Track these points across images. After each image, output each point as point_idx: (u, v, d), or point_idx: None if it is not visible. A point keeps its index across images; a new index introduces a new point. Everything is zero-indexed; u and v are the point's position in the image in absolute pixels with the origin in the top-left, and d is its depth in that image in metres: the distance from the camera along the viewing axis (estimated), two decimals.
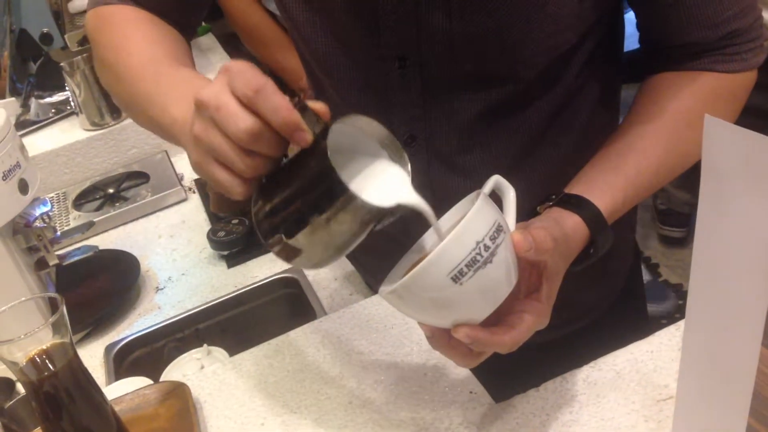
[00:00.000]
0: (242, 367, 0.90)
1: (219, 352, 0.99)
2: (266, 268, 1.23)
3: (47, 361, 0.72)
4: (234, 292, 1.18)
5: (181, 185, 1.52)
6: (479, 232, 0.55)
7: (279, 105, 0.55)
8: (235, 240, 1.26)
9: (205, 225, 1.40)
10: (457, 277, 0.55)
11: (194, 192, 1.52)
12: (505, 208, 0.63)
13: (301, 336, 0.93)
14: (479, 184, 0.83)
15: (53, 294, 0.74)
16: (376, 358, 0.86)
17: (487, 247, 0.55)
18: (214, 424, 0.83)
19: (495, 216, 0.58)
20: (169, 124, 0.70)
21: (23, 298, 0.75)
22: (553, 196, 0.70)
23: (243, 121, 0.55)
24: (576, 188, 0.71)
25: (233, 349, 1.19)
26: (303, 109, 0.56)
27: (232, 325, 1.19)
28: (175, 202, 1.50)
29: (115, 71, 0.80)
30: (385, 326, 0.90)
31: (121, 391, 0.94)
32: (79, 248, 1.24)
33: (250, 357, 0.92)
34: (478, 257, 0.55)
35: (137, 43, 0.79)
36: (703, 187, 0.51)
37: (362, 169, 0.61)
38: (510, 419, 0.74)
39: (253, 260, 1.26)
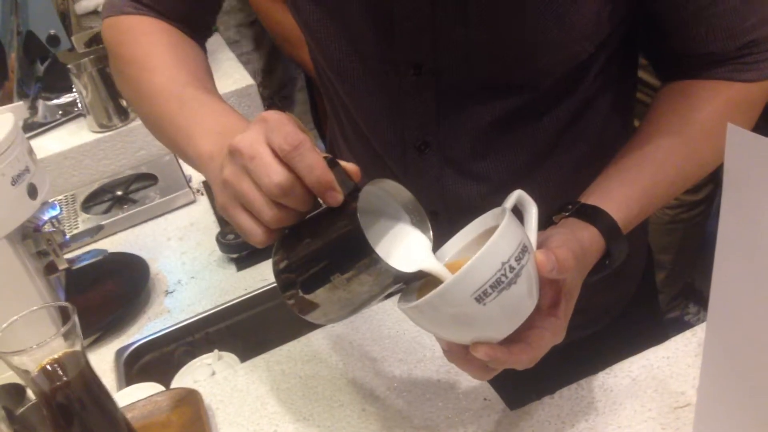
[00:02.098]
0: (254, 374, 0.89)
1: (230, 357, 0.99)
2: None
3: (59, 370, 0.72)
4: (244, 295, 1.17)
5: (190, 187, 1.51)
6: (505, 252, 0.55)
7: (315, 164, 0.56)
8: (244, 243, 1.25)
9: (214, 227, 1.40)
10: (480, 298, 0.54)
11: (203, 194, 1.52)
12: (527, 225, 0.62)
13: (313, 341, 0.92)
14: (492, 191, 0.83)
15: (65, 303, 0.73)
16: (388, 365, 0.85)
17: (512, 269, 0.55)
18: (226, 431, 0.82)
19: (520, 236, 0.57)
20: (194, 155, 0.71)
21: (35, 307, 0.75)
22: (570, 206, 0.69)
23: (276, 175, 0.56)
24: (592, 198, 0.70)
25: (244, 353, 1.19)
26: (333, 165, 0.57)
27: (243, 328, 1.18)
28: (184, 204, 1.49)
29: (136, 88, 0.81)
30: (398, 332, 0.90)
31: (133, 397, 0.93)
32: (88, 252, 1.24)
33: (261, 363, 0.91)
34: (503, 278, 0.54)
35: (160, 60, 0.80)
36: (725, 195, 0.50)
37: (386, 232, 0.62)
38: (525, 427, 0.73)
39: (262, 263, 1.25)
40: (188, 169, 1.58)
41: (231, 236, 1.26)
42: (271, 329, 1.19)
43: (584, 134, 0.81)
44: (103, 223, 1.44)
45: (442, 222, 0.83)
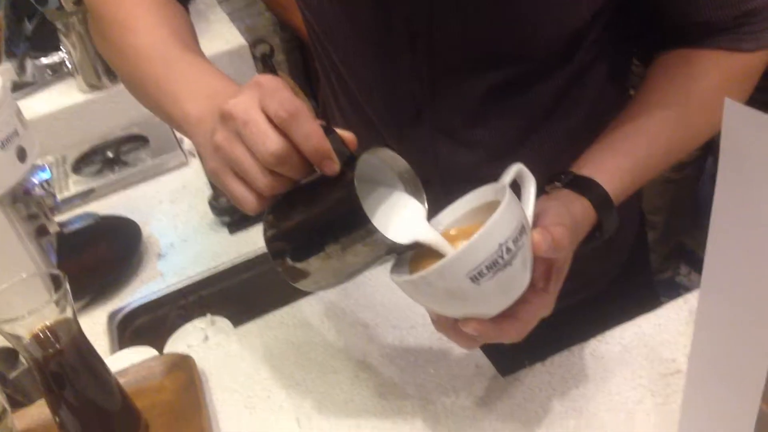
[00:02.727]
0: (247, 339, 0.89)
1: (223, 322, 0.99)
2: None
3: (51, 337, 0.72)
4: (237, 259, 1.17)
5: (181, 149, 1.50)
6: (503, 234, 0.54)
7: (312, 132, 0.55)
8: (236, 207, 1.24)
9: (206, 190, 1.39)
10: (476, 278, 0.54)
11: (194, 156, 1.51)
12: (525, 200, 0.62)
13: (305, 307, 0.92)
14: (485, 159, 0.82)
15: (56, 271, 0.73)
16: (381, 331, 0.86)
17: (509, 250, 0.54)
18: (219, 396, 0.82)
19: (519, 217, 0.56)
20: (180, 118, 0.69)
21: (25, 275, 0.74)
22: (562, 176, 0.69)
23: (272, 143, 0.55)
24: (585, 169, 0.69)
25: (237, 317, 1.19)
26: (329, 132, 0.57)
27: (235, 292, 1.18)
28: (176, 167, 1.48)
29: (119, 49, 0.79)
30: (390, 299, 0.90)
31: (126, 361, 0.94)
32: (80, 215, 1.23)
33: (254, 328, 0.91)
34: (500, 260, 0.54)
35: (143, 21, 0.77)
36: (722, 169, 0.49)
37: (382, 201, 0.62)
38: (516, 393, 0.74)
39: (255, 227, 1.25)
40: None
41: (224, 200, 1.25)
42: (264, 294, 1.19)
43: (579, 103, 0.81)
44: (94, 185, 1.43)
45: (436, 190, 0.82)
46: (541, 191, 0.71)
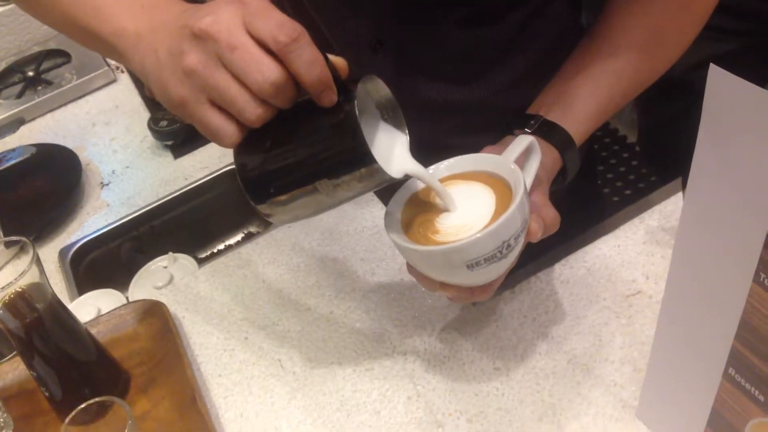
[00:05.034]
0: (215, 279, 0.90)
1: (186, 259, 0.99)
2: (215, 156, 1.20)
3: (25, 305, 0.71)
4: (186, 186, 1.16)
5: (108, 65, 1.43)
6: (509, 232, 0.55)
7: (316, 59, 0.50)
8: (178, 129, 1.21)
9: (141, 110, 1.34)
10: (471, 266, 0.55)
11: (123, 71, 1.44)
12: (527, 171, 0.62)
13: (271, 243, 0.93)
14: (445, 90, 0.82)
15: (22, 238, 0.71)
16: (350, 264, 0.87)
17: (509, 246, 0.55)
18: (196, 340, 0.83)
19: (525, 214, 0.57)
20: (110, 34, 0.60)
21: None
22: (532, 122, 0.70)
23: (270, 71, 0.50)
24: (552, 114, 0.70)
25: (195, 247, 1.19)
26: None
27: (188, 219, 1.17)
28: (104, 84, 1.42)
29: None
30: (356, 229, 0.91)
31: (92, 307, 0.93)
32: (14, 150, 1.18)
33: (221, 267, 0.91)
34: (498, 254, 0.55)
35: None
36: (702, 135, 0.51)
37: (368, 132, 0.57)
38: (489, 322, 0.77)
39: (199, 149, 1.22)
40: None
41: (164, 123, 1.22)
42: (219, 218, 1.19)
43: (538, 35, 0.81)
44: (18, 110, 1.36)
45: None
46: (506, 129, 0.73)
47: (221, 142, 0.55)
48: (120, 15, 0.60)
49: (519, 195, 0.55)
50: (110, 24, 0.60)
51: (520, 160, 0.62)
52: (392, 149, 0.59)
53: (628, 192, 2.26)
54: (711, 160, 0.52)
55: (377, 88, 0.58)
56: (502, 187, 0.59)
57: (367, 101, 0.58)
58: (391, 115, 0.60)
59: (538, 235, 0.60)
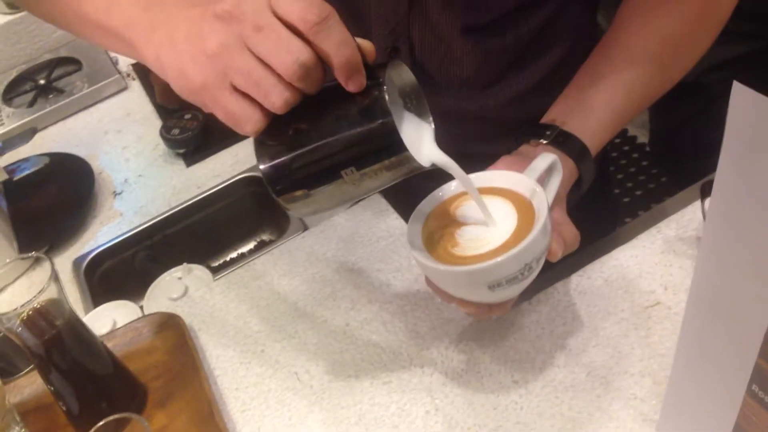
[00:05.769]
0: (231, 291, 0.90)
1: (200, 270, 0.98)
2: (227, 164, 1.20)
3: (45, 322, 0.71)
4: (199, 195, 1.15)
5: (119, 72, 1.43)
6: (532, 255, 0.55)
7: (346, 41, 0.48)
8: (190, 137, 1.21)
9: (152, 117, 1.34)
10: (492, 287, 0.55)
11: (134, 79, 1.44)
12: (548, 188, 0.62)
13: (285, 254, 0.92)
14: (457, 97, 0.82)
15: (41, 255, 0.71)
16: (366, 276, 0.87)
17: (530, 268, 0.55)
18: (213, 353, 0.83)
19: (548, 235, 0.57)
20: (122, 25, 0.58)
21: (9, 260, 0.72)
22: (548, 132, 0.69)
23: (300, 51, 0.47)
24: (568, 125, 0.70)
25: (208, 255, 1.19)
26: None
27: (201, 227, 1.17)
28: (116, 92, 1.42)
29: None
30: (371, 240, 0.91)
31: (108, 318, 0.94)
32: (27, 159, 1.19)
33: (236, 278, 0.91)
34: (519, 276, 0.55)
35: None
36: (725, 152, 0.51)
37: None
38: (507, 334, 0.77)
39: (211, 157, 1.22)
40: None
41: (176, 131, 1.22)
42: (232, 227, 1.19)
43: (552, 46, 0.81)
44: (29, 119, 1.36)
45: None
46: (521, 137, 0.72)
47: (243, 129, 0.52)
48: (133, 6, 0.58)
49: (543, 217, 0.55)
50: (122, 16, 0.58)
51: (542, 177, 0.62)
52: (419, 138, 0.57)
53: (639, 193, 2.25)
54: (734, 177, 0.52)
55: (401, 75, 0.56)
56: (522, 201, 0.59)
57: (391, 88, 0.56)
58: (414, 103, 0.58)
59: (558, 255, 0.59)
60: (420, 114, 0.58)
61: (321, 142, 0.52)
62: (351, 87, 0.50)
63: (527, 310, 0.79)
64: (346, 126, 0.51)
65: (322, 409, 0.75)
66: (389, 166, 0.52)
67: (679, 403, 0.65)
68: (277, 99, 0.50)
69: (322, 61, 0.50)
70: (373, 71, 0.51)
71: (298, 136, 0.53)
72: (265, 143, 0.54)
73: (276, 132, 0.53)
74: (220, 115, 0.52)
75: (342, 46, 0.48)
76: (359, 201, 0.94)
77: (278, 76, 0.49)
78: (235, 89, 0.51)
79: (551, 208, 0.63)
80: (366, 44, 0.52)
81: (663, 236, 0.82)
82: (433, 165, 0.56)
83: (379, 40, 0.78)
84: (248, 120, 0.51)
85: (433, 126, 0.57)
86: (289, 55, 0.48)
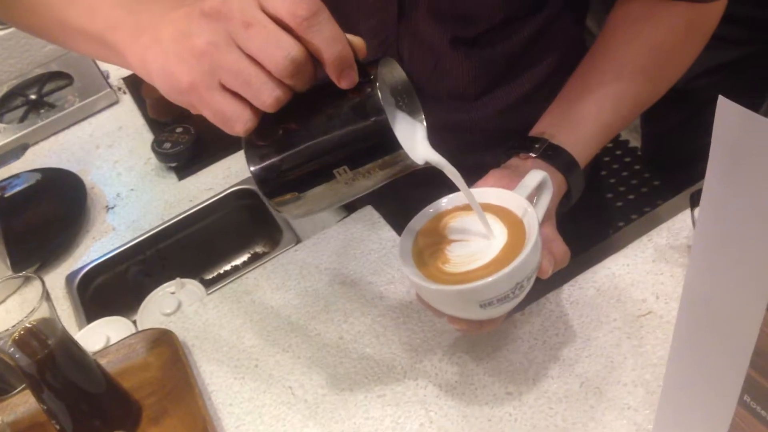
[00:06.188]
0: (224, 305, 0.90)
1: (193, 284, 0.98)
2: (220, 177, 1.20)
3: (37, 342, 0.71)
4: (192, 208, 1.15)
5: (110, 86, 1.43)
6: (523, 274, 0.56)
7: (337, 36, 0.48)
8: (182, 151, 1.21)
9: (144, 131, 1.34)
10: (484, 305, 0.56)
11: (125, 92, 1.44)
12: (538, 205, 0.63)
13: (278, 267, 0.92)
14: (446, 109, 0.82)
15: (32, 275, 0.71)
16: (359, 288, 0.87)
17: (521, 287, 0.56)
18: (206, 369, 0.83)
19: (538, 254, 0.57)
20: (105, 29, 0.56)
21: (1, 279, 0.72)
22: (537, 145, 0.70)
23: (291, 48, 0.47)
24: (558, 137, 0.70)
25: (202, 269, 1.19)
26: None
27: (194, 241, 1.17)
28: (107, 106, 1.42)
29: None
30: (363, 252, 0.91)
31: (101, 335, 0.93)
32: (18, 176, 1.18)
33: (229, 293, 0.91)
34: (511, 294, 0.56)
35: None
36: (711, 164, 0.51)
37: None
38: (500, 346, 0.77)
39: (204, 170, 1.22)
40: (103, 64, 1.49)
41: (168, 144, 1.22)
42: (224, 239, 1.19)
43: (541, 59, 0.81)
44: (22, 133, 1.36)
45: None
46: (510, 149, 0.73)
47: (233, 129, 0.51)
48: (116, 9, 0.57)
49: (534, 236, 0.55)
50: (106, 20, 0.57)
51: (532, 195, 0.62)
52: (413, 136, 0.56)
53: (631, 197, 2.25)
54: (721, 189, 0.52)
55: (393, 73, 0.55)
56: (513, 219, 0.59)
57: (383, 85, 0.55)
58: (406, 101, 0.57)
59: (549, 273, 0.60)
60: (412, 112, 0.57)
61: (313, 141, 0.51)
62: (343, 83, 0.50)
63: (520, 321, 0.79)
64: (338, 124, 0.51)
65: (316, 424, 0.75)
66: (383, 165, 0.51)
67: (673, 413, 0.65)
68: (268, 97, 0.49)
69: (313, 58, 0.49)
70: (365, 68, 0.51)
71: (289, 136, 0.52)
72: (255, 144, 0.53)
73: (266, 132, 0.52)
74: (209, 116, 0.51)
75: (333, 42, 0.48)
76: (351, 205, 0.95)
77: (268, 73, 0.48)
78: (225, 88, 0.50)
79: (541, 224, 0.63)
80: (357, 40, 0.51)
81: (654, 244, 0.82)
82: (427, 163, 0.56)
83: (368, 51, 0.79)
84: (238, 119, 0.50)
85: (425, 124, 0.57)
86: (280, 51, 0.47)
